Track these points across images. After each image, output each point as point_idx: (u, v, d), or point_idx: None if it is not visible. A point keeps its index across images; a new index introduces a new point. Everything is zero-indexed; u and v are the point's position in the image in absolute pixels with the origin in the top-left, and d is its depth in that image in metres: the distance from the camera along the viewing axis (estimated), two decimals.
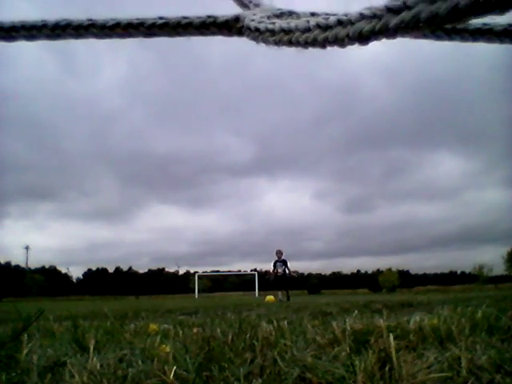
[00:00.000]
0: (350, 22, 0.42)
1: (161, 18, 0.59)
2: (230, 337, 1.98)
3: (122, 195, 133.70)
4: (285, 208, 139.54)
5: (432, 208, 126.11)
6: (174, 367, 1.43)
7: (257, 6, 0.60)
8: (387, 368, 1.33)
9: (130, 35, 0.61)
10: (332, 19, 0.43)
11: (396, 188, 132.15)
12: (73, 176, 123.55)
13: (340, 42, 0.43)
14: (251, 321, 3.16)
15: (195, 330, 2.48)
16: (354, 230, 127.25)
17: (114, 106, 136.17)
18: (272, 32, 0.49)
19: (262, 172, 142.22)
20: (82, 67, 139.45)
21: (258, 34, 0.51)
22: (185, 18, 0.59)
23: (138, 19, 0.60)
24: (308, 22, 0.45)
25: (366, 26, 0.40)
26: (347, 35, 0.42)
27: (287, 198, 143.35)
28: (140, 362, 1.60)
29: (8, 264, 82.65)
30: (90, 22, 0.61)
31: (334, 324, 2.12)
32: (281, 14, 0.56)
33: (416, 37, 0.51)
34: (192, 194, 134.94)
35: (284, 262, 16.42)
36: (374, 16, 0.40)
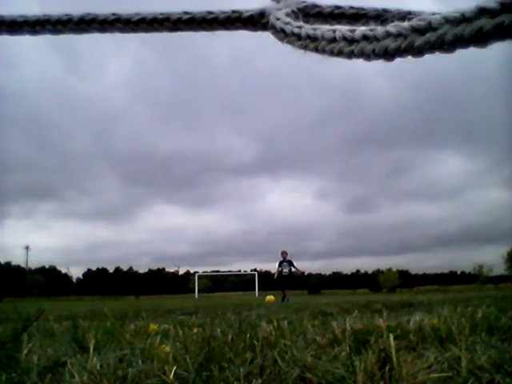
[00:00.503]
0: (376, 38, 0.42)
1: (186, 13, 0.60)
2: (229, 337, 1.98)
3: (124, 195, 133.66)
4: (287, 208, 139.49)
5: (434, 208, 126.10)
6: (174, 367, 1.43)
7: None
8: (387, 368, 1.33)
9: (155, 30, 0.62)
10: (358, 33, 0.44)
11: (398, 188, 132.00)
12: (75, 175, 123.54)
13: (366, 56, 0.43)
14: (251, 321, 3.16)
15: (195, 330, 2.48)
16: (356, 229, 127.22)
17: (117, 105, 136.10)
18: (298, 37, 0.50)
19: (265, 171, 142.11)
20: (86, 66, 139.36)
21: (284, 36, 0.52)
22: (210, 12, 0.59)
23: (162, 14, 0.61)
24: (334, 32, 0.46)
25: (391, 44, 0.41)
26: (373, 51, 0.42)
27: (289, 198, 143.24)
28: (140, 362, 1.60)
29: (8, 264, 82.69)
30: (115, 17, 0.61)
31: (334, 324, 2.12)
32: (305, 8, 0.57)
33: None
34: (194, 193, 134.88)
35: (290, 262, 16.59)
36: (399, 34, 0.40)
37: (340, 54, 0.45)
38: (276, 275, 16.65)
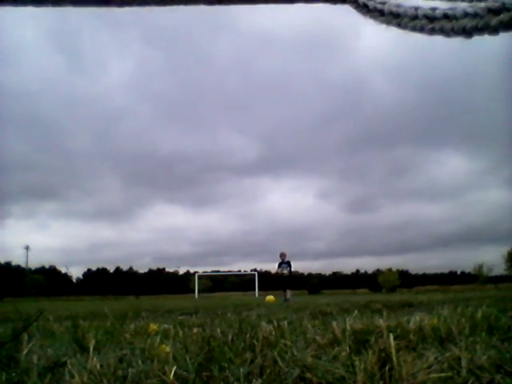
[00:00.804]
0: (455, 17, 0.46)
1: None
2: (229, 337, 1.98)
3: (126, 194, 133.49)
4: (288, 208, 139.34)
5: (435, 208, 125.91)
6: (174, 367, 1.43)
7: None
8: (387, 368, 1.33)
9: (173, 2, 0.63)
10: (439, 12, 0.48)
11: (400, 187, 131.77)
12: (76, 175, 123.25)
13: (445, 33, 0.48)
14: (251, 321, 3.16)
15: (195, 330, 2.48)
16: (357, 229, 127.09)
17: (119, 104, 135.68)
18: (381, 12, 0.54)
19: (266, 171, 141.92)
20: (88, 66, 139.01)
21: (366, 11, 0.56)
22: None
23: None
24: (416, 10, 0.50)
25: (469, 23, 0.45)
26: (452, 29, 0.47)
27: (290, 198, 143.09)
28: (140, 362, 1.60)
29: (8, 264, 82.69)
30: None
31: (334, 324, 2.12)
32: None
33: None
34: (195, 193, 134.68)
35: (288, 264, 16.73)
36: (476, 14, 0.44)
37: (421, 30, 0.50)
38: (275, 276, 16.79)
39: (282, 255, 16.87)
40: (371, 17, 0.55)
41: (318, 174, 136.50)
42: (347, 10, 0.60)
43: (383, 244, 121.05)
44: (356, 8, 0.58)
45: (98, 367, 1.48)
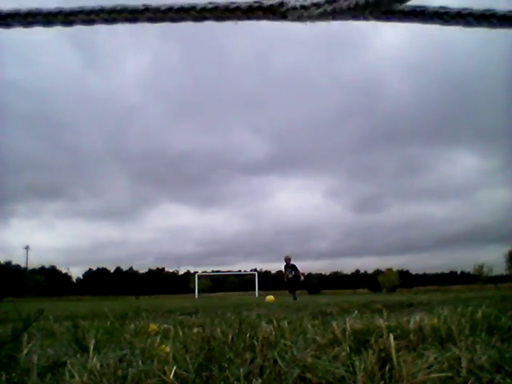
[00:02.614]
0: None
1: (210, 3, 0.63)
2: (230, 337, 1.98)
3: (133, 194, 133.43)
4: (295, 207, 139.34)
5: (442, 207, 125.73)
6: (174, 367, 1.43)
7: None
8: (387, 368, 1.33)
9: (181, 19, 0.64)
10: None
11: (409, 187, 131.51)
12: (83, 174, 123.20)
13: (342, 16, 0.51)
14: (251, 321, 3.16)
15: (195, 330, 2.48)
16: (362, 229, 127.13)
17: (132, 102, 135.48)
18: (317, 5, 0.55)
19: (275, 170, 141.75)
20: (104, 63, 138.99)
21: (304, 11, 0.57)
22: (233, 2, 0.62)
23: (189, 4, 0.64)
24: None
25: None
26: (348, 7, 0.49)
27: (298, 197, 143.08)
28: (140, 362, 1.60)
29: (8, 264, 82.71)
30: (143, 7, 0.63)
31: (334, 324, 2.12)
32: None
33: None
34: (203, 192, 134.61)
35: (293, 268, 16.99)
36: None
37: (325, 16, 0.52)
38: (285, 279, 17.20)
39: (287, 259, 17.14)
40: (309, 16, 0.57)
41: (328, 173, 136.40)
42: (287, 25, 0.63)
43: (386, 244, 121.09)
44: (293, 18, 0.60)
45: (98, 367, 1.48)
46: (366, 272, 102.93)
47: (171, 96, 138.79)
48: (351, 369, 1.35)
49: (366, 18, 0.54)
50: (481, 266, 74.25)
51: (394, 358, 1.37)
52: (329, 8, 0.54)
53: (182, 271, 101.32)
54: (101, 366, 1.50)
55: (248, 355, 1.63)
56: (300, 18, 0.57)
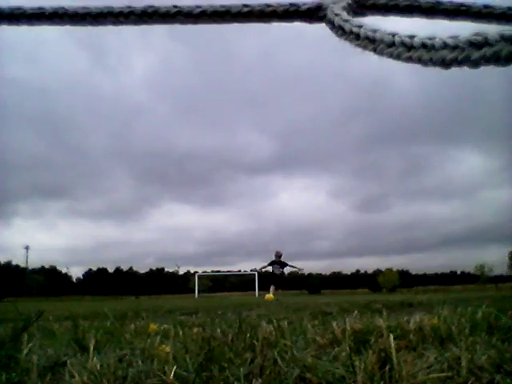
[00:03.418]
0: (434, 48, 0.45)
1: (245, 6, 0.61)
2: (230, 337, 1.98)
3: (136, 193, 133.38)
4: (298, 207, 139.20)
5: (445, 207, 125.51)
6: (174, 367, 1.43)
7: None
8: (387, 368, 1.33)
9: (214, 22, 0.64)
10: (416, 41, 0.46)
11: (413, 186, 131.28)
12: (87, 174, 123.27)
13: (423, 63, 0.46)
14: (251, 321, 3.16)
15: (195, 330, 2.48)
16: (364, 229, 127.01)
17: (138, 101, 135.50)
18: (357, 36, 0.52)
19: (279, 169, 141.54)
20: (111, 61, 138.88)
21: (342, 33, 0.54)
22: (268, 5, 0.61)
23: (223, 6, 0.64)
24: (393, 37, 0.48)
25: (448, 55, 0.44)
26: (430, 59, 0.45)
27: (301, 197, 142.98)
28: (140, 362, 1.60)
29: (8, 264, 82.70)
30: (176, 10, 0.63)
31: (334, 324, 2.12)
32: (359, 0, 0.60)
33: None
34: (206, 192, 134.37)
35: (282, 264, 16.87)
36: (456, 47, 0.43)
37: (398, 58, 0.48)
38: (259, 270, 17.26)
39: (278, 255, 17.10)
40: (346, 40, 0.54)
41: (332, 173, 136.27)
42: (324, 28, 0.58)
43: (387, 244, 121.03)
44: (331, 29, 0.56)
45: (98, 367, 1.48)
46: (366, 272, 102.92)
47: (177, 95, 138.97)
48: (351, 369, 1.35)
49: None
50: (481, 266, 74.23)
51: (394, 358, 1.37)
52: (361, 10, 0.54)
53: (182, 271, 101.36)
54: (101, 366, 1.50)
55: (248, 355, 1.63)
56: (337, 22, 0.55)
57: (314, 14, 0.59)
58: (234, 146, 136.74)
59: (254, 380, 1.38)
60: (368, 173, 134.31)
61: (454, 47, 0.43)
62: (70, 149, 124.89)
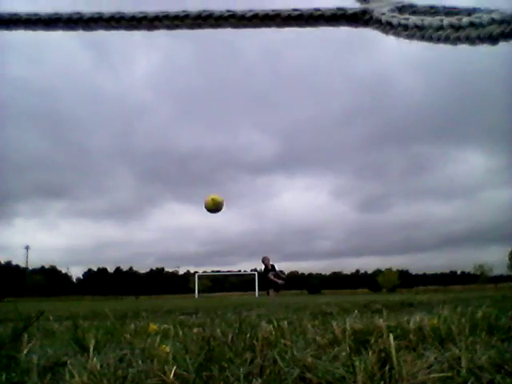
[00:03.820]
0: (482, 25, 0.47)
1: (295, 10, 0.63)
2: (229, 337, 1.98)
3: (137, 193, 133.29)
4: (299, 207, 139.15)
5: (447, 207, 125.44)
6: (174, 367, 1.43)
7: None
8: (387, 368, 1.33)
9: (266, 26, 0.66)
10: (465, 20, 0.48)
11: (415, 186, 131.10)
12: (89, 173, 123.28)
13: (471, 41, 0.48)
14: (251, 321, 3.16)
15: (195, 330, 2.48)
16: (365, 229, 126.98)
17: (142, 101, 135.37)
18: (405, 27, 0.54)
19: (282, 169, 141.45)
20: (115, 61, 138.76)
21: (390, 28, 0.57)
22: (317, 9, 0.64)
23: (274, 11, 0.64)
24: (442, 20, 0.51)
25: (496, 29, 0.45)
26: (478, 36, 0.47)
27: (303, 197, 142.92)
28: (140, 361, 1.60)
29: (9, 264, 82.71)
30: (229, 13, 0.64)
31: (334, 324, 2.12)
32: (402, 7, 0.61)
33: None
34: (208, 191, 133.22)
35: (273, 269, 16.93)
36: (503, 21, 0.45)
37: (446, 40, 0.50)
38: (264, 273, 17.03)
39: (265, 259, 17.06)
40: (394, 34, 0.56)
41: (334, 173, 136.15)
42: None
43: (388, 244, 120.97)
44: (378, 28, 0.59)
45: (98, 367, 1.48)
46: (366, 272, 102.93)
47: (179, 95, 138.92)
48: (351, 369, 1.35)
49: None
50: (481, 266, 74.24)
51: (394, 358, 1.37)
52: (410, 17, 0.55)
53: (181, 271, 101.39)
54: (101, 366, 1.50)
55: (248, 355, 1.63)
56: (385, 19, 0.57)
57: (359, 18, 0.62)
58: (236, 145, 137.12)
59: (253, 380, 1.38)
60: (370, 173, 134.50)
61: (501, 21, 0.45)
62: (71, 148, 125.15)
